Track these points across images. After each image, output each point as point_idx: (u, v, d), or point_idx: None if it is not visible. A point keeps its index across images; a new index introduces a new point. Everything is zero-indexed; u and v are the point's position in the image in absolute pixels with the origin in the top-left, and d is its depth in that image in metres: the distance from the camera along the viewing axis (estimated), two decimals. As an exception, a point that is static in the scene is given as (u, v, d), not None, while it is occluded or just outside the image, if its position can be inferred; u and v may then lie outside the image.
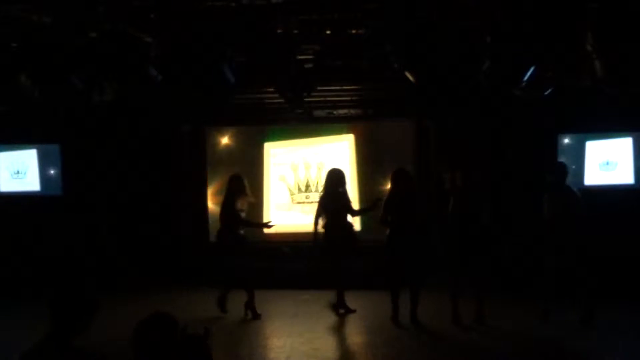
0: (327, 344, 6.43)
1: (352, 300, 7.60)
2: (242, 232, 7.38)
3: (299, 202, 9.59)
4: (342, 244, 7.28)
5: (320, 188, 7.99)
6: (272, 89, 7.86)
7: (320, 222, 7.39)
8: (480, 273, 6.90)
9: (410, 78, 6.62)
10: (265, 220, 8.89)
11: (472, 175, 7.06)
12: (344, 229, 7.38)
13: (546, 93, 6.53)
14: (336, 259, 7.29)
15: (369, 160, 9.47)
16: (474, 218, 6.82)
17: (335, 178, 7.39)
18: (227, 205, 7.34)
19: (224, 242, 7.33)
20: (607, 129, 8.65)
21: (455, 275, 6.91)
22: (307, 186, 9.56)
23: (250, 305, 7.39)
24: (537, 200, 7.11)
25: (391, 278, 7.09)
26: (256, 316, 7.38)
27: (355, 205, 8.25)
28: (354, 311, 7.48)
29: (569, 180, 7.00)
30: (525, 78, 6.18)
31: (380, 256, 7.16)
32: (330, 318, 7.35)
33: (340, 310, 7.45)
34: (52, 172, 9.73)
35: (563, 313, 6.95)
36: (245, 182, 7.47)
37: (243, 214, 7.46)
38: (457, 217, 6.89)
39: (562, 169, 6.99)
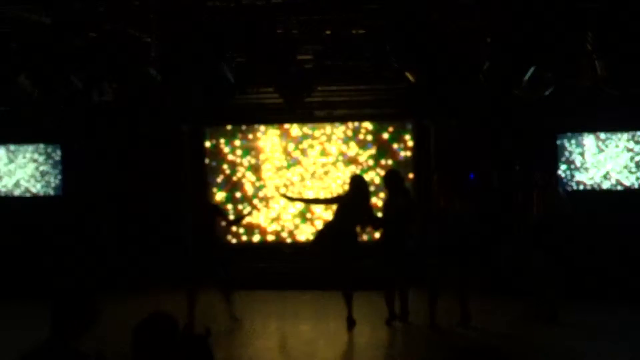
0: (328, 345, 6.43)
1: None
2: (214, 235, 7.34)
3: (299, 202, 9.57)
4: (337, 249, 7.01)
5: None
6: (272, 89, 7.85)
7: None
8: (463, 274, 6.84)
9: (410, 78, 6.62)
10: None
11: (451, 176, 7.04)
12: (349, 236, 7.08)
13: (546, 93, 6.53)
14: (331, 262, 7.09)
15: (368, 160, 9.46)
16: (456, 219, 6.76)
17: (360, 183, 7.20)
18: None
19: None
20: (607, 129, 8.63)
21: (433, 277, 6.88)
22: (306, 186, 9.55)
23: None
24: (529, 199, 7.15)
25: (385, 280, 7.07)
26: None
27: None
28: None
29: (568, 180, 7.02)
30: (526, 78, 6.18)
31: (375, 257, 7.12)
32: (330, 318, 7.34)
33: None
34: (52, 172, 9.73)
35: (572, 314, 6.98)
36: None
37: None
38: (438, 217, 6.89)
39: (549, 169, 7.04)
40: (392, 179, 7.07)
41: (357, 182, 7.24)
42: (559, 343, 6.26)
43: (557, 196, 6.90)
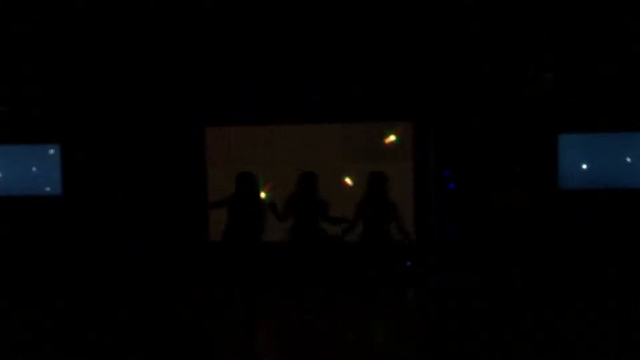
0: (328, 345, 6.44)
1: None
2: None
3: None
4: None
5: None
6: (271, 89, 7.88)
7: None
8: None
9: (409, 79, 6.64)
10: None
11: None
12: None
13: (546, 93, 6.54)
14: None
15: (367, 160, 9.46)
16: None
17: (244, 181, 7.23)
18: None
19: None
20: (607, 129, 8.64)
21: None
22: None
23: None
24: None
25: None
26: None
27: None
28: None
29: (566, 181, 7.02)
30: (525, 77, 6.20)
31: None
32: (329, 319, 7.34)
33: None
34: (52, 172, 9.75)
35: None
36: None
37: None
38: None
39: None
40: (306, 181, 7.17)
41: (242, 179, 7.21)
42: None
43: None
